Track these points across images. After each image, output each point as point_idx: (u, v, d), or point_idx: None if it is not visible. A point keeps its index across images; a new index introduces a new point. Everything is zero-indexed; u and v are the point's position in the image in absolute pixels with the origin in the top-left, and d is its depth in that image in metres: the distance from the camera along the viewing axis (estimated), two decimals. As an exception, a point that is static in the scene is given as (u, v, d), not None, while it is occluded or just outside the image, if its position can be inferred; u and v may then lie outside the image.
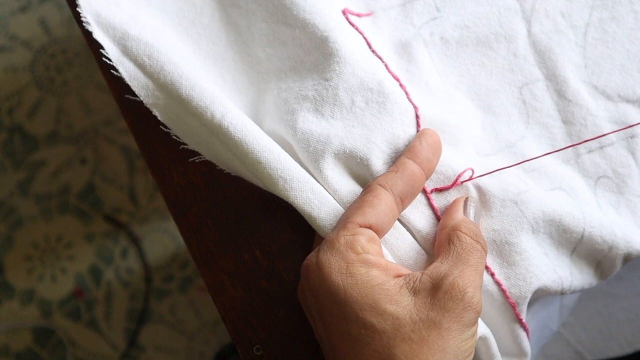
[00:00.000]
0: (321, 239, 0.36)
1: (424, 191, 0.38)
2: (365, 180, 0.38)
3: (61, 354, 1.11)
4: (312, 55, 0.40)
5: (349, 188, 0.37)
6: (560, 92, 0.42)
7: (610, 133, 0.41)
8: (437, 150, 0.37)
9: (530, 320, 0.43)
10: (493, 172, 0.38)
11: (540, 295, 0.39)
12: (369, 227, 0.34)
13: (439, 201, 0.38)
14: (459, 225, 0.35)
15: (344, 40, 0.39)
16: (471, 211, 0.37)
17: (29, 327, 1.12)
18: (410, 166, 0.36)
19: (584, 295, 0.51)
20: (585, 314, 0.51)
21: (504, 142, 0.41)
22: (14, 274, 1.14)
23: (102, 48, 0.40)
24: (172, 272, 1.13)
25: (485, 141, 0.41)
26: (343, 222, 0.34)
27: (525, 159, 0.40)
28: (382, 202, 0.34)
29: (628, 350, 0.51)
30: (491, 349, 0.36)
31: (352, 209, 0.35)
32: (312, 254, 0.34)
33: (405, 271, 0.34)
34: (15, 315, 1.12)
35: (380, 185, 0.35)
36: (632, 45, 0.42)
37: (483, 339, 0.36)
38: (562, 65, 0.42)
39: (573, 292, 0.39)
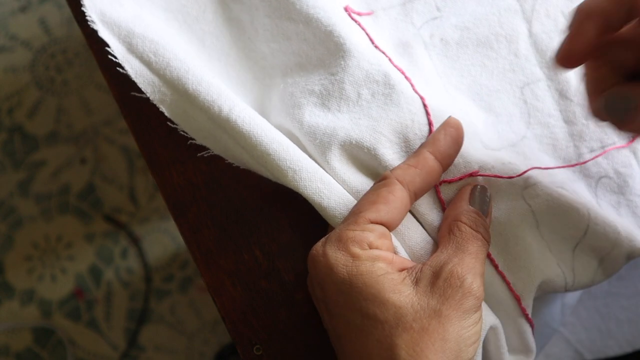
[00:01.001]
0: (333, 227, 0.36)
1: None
2: (374, 169, 0.38)
3: (61, 354, 1.11)
4: (317, 50, 0.40)
5: (358, 178, 0.37)
6: (561, 92, 0.41)
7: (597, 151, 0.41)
8: (458, 145, 0.37)
9: (532, 318, 0.42)
10: (501, 177, 0.38)
11: (546, 291, 0.39)
12: (381, 224, 0.34)
13: (449, 193, 0.38)
14: (460, 215, 0.35)
15: (348, 33, 0.39)
16: (479, 200, 0.36)
17: (29, 327, 1.12)
18: (431, 163, 0.36)
19: (585, 294, 0.51)
20: (585, 313, 0.51)
21: (506, 142, 0.41)
22: (14, 274, 1.14)
23: (108, 46, 0.40)
24: (172, 272, 1.13)
25: (488, 138, 0.41)
26: (355, 215, 0.34)
27: (528, 157, 0.40)
28: (397, 199, 0.34)
29: (628, 349, 0.51)
30: (499, 339, 0.36)
31: (366, 203, 0.35)
32: (319, 244, 0.34)
33: (410, 264, 0.34)
34: (15, 315, 1.12)
35: (398, 180, 0.35)
36: None
37: (494, 328, 0.36)
38: None
39: (577, 288, 0.39)
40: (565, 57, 0.31)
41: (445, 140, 0.36)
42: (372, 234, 0.33)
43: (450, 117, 0.37)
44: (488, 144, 0.41)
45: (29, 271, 1.14)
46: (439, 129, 0.37)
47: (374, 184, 0.36)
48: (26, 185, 1.17)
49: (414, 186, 0.35)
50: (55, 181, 1.17)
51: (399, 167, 0.36)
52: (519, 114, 0.41)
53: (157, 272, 1.13)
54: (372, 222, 0.34)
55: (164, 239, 1.14)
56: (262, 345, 0.38)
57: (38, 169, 1.18)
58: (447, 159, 0.36)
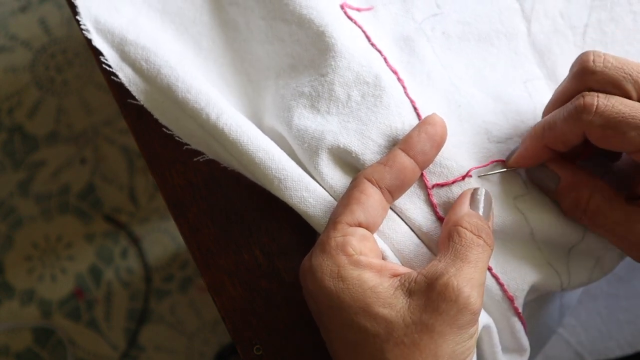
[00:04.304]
0: None
1: (425, 186, 0.37)
2: None
3: (61, 354, 1.11)
4: (310, 51, 0.40)
5: (346, 184, 0.37)
6: None
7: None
8: (436, 141, 0.35)
9: (530, 318, 0.42)
10: (495, 172, 0.38)
11: (542, 291, 0.39)
12: (359, 225, 0.33)
13: (441, 196, 0.37)
14: (460, 219, 0.34)
15: (340, 34, 0.39)
16: (480, 204, 0.35)
17: (29, 327, 1.12)
18: (401, 159, 0.35)
19: (584, 295, 0.51)
20: (585, 315, 0.51)
21: (515, 131, 0.40)
22: (14, 274, 1.14)
23: (102, 54, 0.40)
24: (172, 272, 1.13)
25: (497, 127, 0.40)
26: (332, 222, 0.34)
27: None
28: (370, 197, 0.34)
29: (628, 351, 0.51)
30: (493, 339, 0.36)
31: (340, 206, 0.34)
32: (306, 258, 0.34)
33: (402, 270, 0.33)
34: (15, 315, 1.12)
35: (366, 178, 0.34)
36: (631, 46, 0.42)
37: (487, 328, 0.35)
38: (562, 65, 0.42)
39: (574, 287, 0.39)
40: (517, 164, 0.37)
41: (419, 137, 0.35)
42: (354, 237, 0.33)
43: (431, 114, 0.36)
44: (496, 134, 0.40)
45: (29, 271, 1.14)
46: (414, 127, 0.36)
47: (348, 187, 0.35)
48: (26, 185, 1.17)
49: (384, 183, 0.34)
50: (55, 181, 1.17)
51: (369, 166, 0.35)
52: (525, 106, 0.41)
53: (157, 272, 1.13)
54: (350, 226, 0.33)
55: (164, 239, 1.15)
56: (262, 345, 0.38)
57: (38, 169, 1.18)
58: (422, 156, 0.35)
